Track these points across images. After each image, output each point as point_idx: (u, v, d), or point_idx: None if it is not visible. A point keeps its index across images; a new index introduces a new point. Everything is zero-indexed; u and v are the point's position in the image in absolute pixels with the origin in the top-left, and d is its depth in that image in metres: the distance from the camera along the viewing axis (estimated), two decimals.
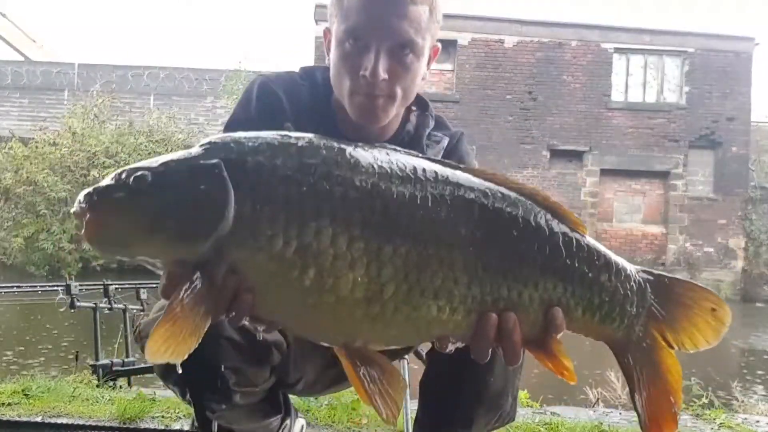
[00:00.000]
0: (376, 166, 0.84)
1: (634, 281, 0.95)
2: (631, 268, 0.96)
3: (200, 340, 0.77)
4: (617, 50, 15.76)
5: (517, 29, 15.69)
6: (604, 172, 15.60)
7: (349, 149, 0.85)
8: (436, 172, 0.87)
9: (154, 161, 0.81)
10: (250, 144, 0.81)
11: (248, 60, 15.93)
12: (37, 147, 14.44)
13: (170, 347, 0.75)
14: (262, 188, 0.78)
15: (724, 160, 15.66)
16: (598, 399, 3.79)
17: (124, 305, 3.84)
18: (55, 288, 3.85)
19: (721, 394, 4.03)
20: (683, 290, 0.96)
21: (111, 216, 0.78)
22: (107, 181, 0.80)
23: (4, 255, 14.16)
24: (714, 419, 2.58)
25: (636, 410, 0.98)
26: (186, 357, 0.76)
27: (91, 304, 3.73)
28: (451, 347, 0.89)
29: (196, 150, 0.82)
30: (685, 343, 0.95)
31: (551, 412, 2.58)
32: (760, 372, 7.06)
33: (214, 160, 0.79)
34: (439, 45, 1.21)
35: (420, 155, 0.93)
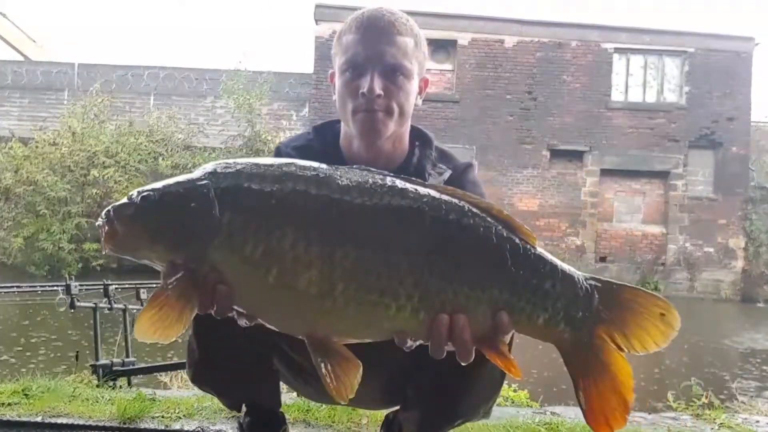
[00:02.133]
0: (339, 182, 0.98)
1: (581, 288, 1.02)
2: (578, 275, 1.03)
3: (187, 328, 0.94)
4: (617, 50, 15.78)
5: (517, 29, 15.71)
6: (604, 172, 15.61)
7: (320, 168, 1.01)
8: (392, 187, 1.00)
9: (160, 183, 0.99)
10: (235, 166, 0.99)
11: (248, 60, 15.92)
12: (37, 147, 14.42)
13: (157, 330, 0.92)
14: (239, 202, 0.95)
15: (724, 160, 15.68)
16: None
17: (124, 305, 3.84)
18: (55, 288, 3.85)
19: (721, 394, 4.03)
20: (632, 296, 1.03)
21: (121, 227, 0.96)
22: (123, 200, 0.98)
23: (4, 255, 14.14)
24: (714, 419, 2.58)
25: (581, 407, 1.03)
26: (172, 340, 0.93)
27: (91, 304, 3.73)
28: (410, 343, 0.99)
29: (195, 172, 1.00)
30: (635, 346, 1.01)
31: (551, 412, 2.57)
32: (760, 372, 7.07)
33: (205, 181, 0.97)
34: (428, 78, 1.43)
35: (384, 173, 1.04)
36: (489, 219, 1.01)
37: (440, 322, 0.96)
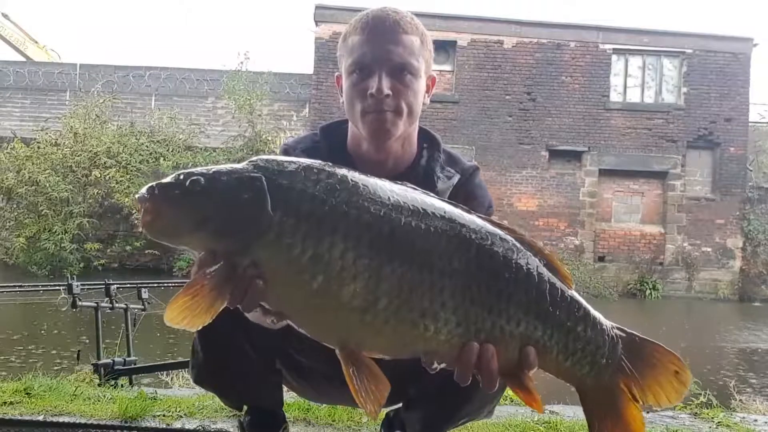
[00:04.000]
0: (391, 197, 0.97)
1: (608, 336, 1.04)
2: (606, 323, 1.05)
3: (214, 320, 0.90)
4: (615, 51, 15.78)
5: (516, 30, 15.71)
6: (603, 173, 15.62)
7: (372, 181, 1.00)
8: (444, 210, 1.00)
9: (210, 168, 0.95)
10: (289, 166, 0.97)
11: (249, 60, 15.92)
12: (39, 147, 14.42)
13: (186, 317, 0.88)
14: (292, 203, 0.92)
15: (722, 160, 15.68)
16: None
17: (126, 304, 3.84)
18: (57, 287, 3.85)
19: (719, 393, 4.04)
20: (651, 350, 1.05)
21: (166, 209, 0.92)
22: (168, 179, 0.94)
23: (7, 255, 14.16)
24: (712, 418, 2.58)
25: None
26: (198, 329, 0.89)
27: (93, 304, 3.71)
28: (435, 365, 0.99)
29: (244, 164, 0.97)
30: (648, 399, 1.03)
31: (550, 411, 2.57)
32: (757, 371, 7.09)
33: (258, 175, 0.93)
34: (435, 76, 1.41)
35: (434, 195, 1.05)
36: (532, 255, 1.02)
37: (470, 350, 0.96)
